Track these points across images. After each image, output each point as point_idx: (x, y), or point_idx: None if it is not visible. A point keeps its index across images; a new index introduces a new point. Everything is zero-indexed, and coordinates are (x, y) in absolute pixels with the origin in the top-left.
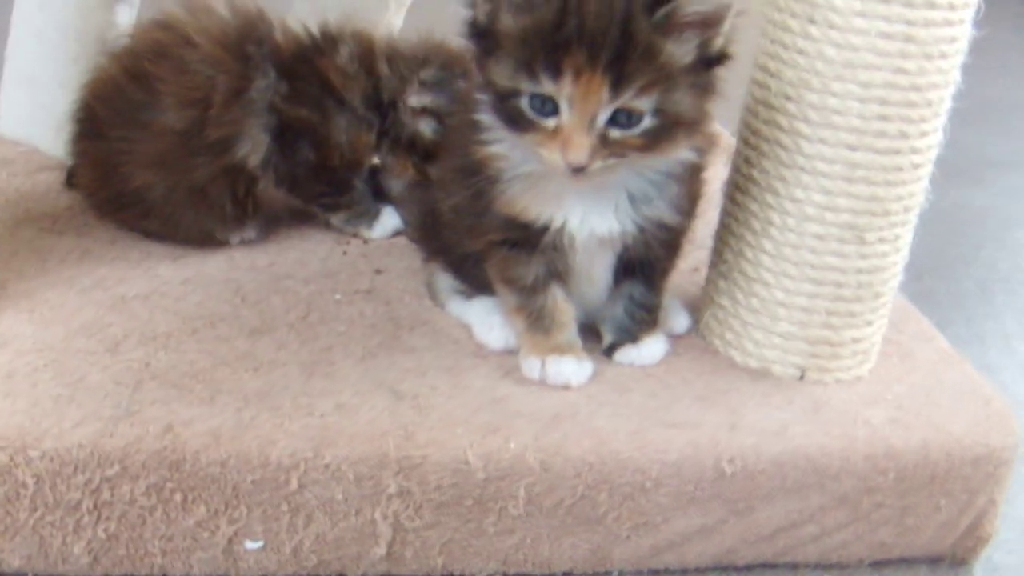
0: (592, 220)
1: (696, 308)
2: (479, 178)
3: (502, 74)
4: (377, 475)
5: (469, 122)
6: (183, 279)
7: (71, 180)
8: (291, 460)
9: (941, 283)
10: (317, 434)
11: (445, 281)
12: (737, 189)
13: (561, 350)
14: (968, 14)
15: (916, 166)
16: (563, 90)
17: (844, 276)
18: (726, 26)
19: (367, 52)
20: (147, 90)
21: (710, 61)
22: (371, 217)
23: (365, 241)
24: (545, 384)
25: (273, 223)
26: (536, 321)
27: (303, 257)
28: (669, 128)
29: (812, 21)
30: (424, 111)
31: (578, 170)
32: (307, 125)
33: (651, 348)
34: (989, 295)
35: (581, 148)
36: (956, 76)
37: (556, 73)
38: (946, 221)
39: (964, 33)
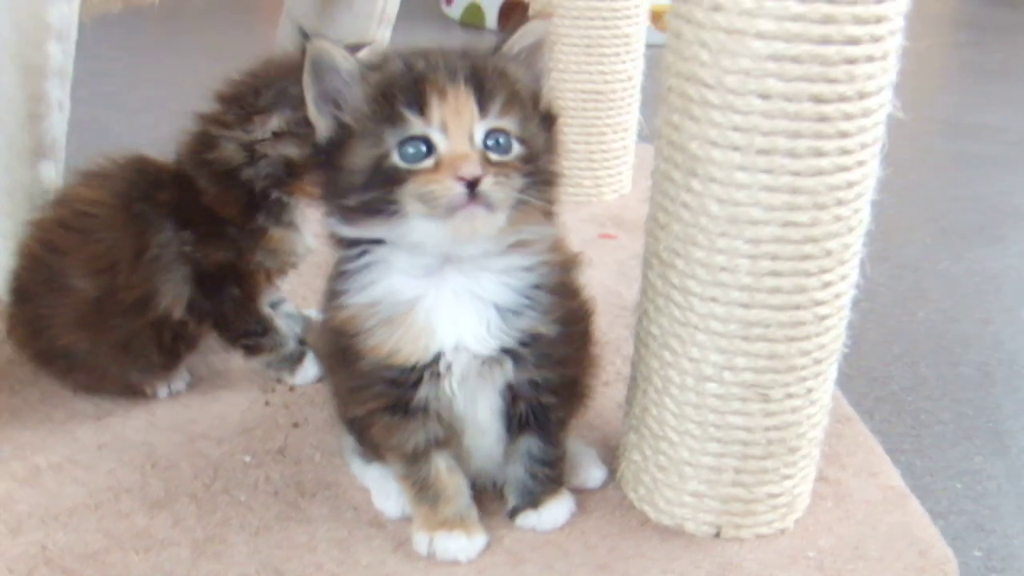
0: (466, 341)
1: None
2: (345, 341)
3: (361, 154)
4: None
5: (328, 292)
6: (100, 444)
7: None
8: None
9: (935, 369)
10: None
11: (349, 441)
12: (640, 342)
13: (450, 524)
14: (870, 154)
15: (823, 317)
16: (432, 119)
17: (751, 435)
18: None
19: (204, 141)
20: (60, 260)
21: (545, 118)
22: (293, 362)
23: (291, 388)
24: (435, 559)
25: (200, 369)
26: (421, 492)
27: (224, 411)
28: (535, 166)
29: (694, 174)
30: (278, 135)
31: (474, 186)
32: (225, 265)
33: (552, 513)
34: (988, 383)
35: (471, 159)
36: (863, 216)
37: (421, 104)
38: (954, 291)
39: (868, 173)
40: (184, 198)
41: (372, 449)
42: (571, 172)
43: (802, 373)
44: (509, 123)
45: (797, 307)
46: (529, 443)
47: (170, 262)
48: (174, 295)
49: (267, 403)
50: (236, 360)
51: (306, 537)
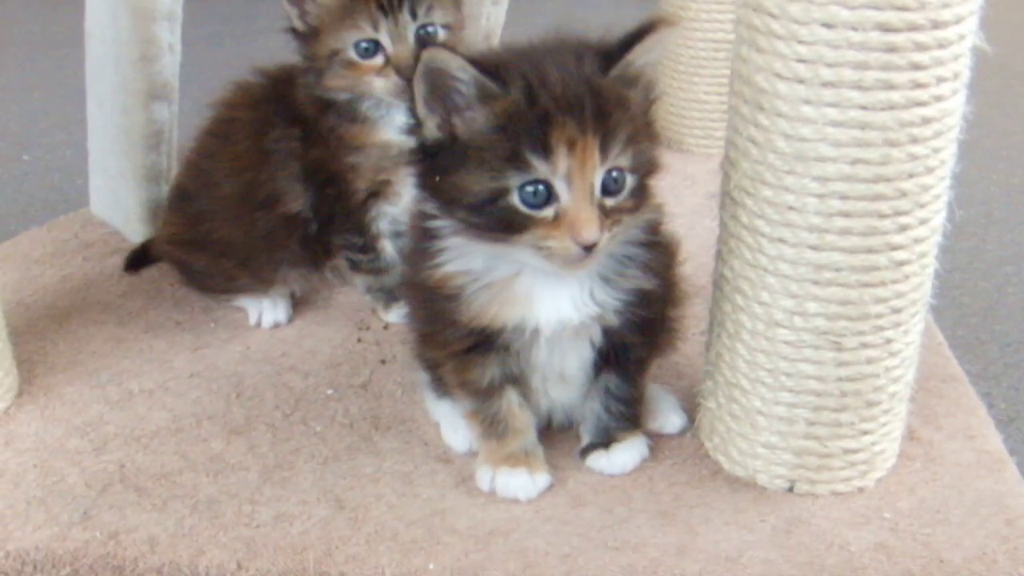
0: (565, 311)
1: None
2: (436, 298)
3: (478, 181)
4: None
5: (417, 250)
6: (192, 372)
7: (133, 263)
8: (218, 571)
9: None
10: (245, 546)
11: (424, 376)
12: (715, 285)
13: (514, 460)
14: (950, 89)
15: (900, 263)
16: (558, 168)
17: (824, 385)
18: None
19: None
20: (210, 163)
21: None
22: (389, 298)
23: (385, 326)
24: (495, 496)
25: (302, 305)
26: (490, 427)
27: (316, 346)
28: (646, 185)
29: (760, 108)
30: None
31: (590, 248)
32: (320, 161)
33: (622, 455)
34: None
35: (592, 223)
36: (945, 156)
37: (547, 152)
38: None
39: (948, 109)
40: (292, 98)
41: (444, 385)
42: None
43: (878, 322)
44: (625, 159)
45: (870, 250)
46: (608, 380)
47: (285, 159)
48: (291, 191)
49: (359, 340)
50: (339, 296)
51: (372, 469)
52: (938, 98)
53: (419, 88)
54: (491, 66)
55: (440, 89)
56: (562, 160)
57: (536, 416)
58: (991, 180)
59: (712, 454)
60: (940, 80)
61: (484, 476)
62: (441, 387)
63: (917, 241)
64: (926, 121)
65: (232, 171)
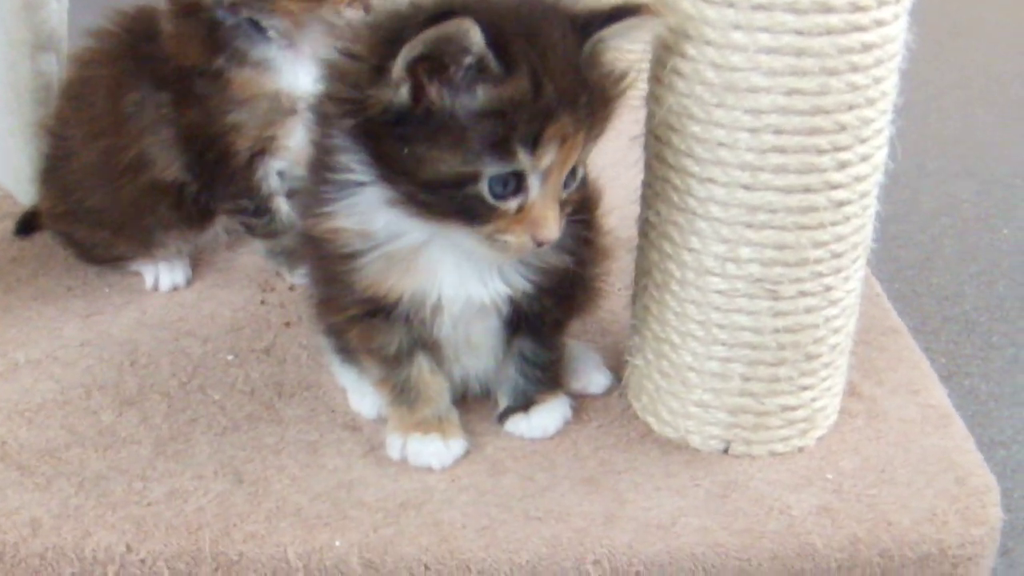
0: (471, 287)
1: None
2: (328, 255)
3: (445, 161)
4: (194, 572)
5: (310, 192)
6: (83, 341)
7: (24, 227)
8: (106, 554)
9: (1015, 290)
10: (134, 526)
11: (328, 341)
12: (641, 233)
13: (426, 426)
14: (891, 13)
15: (840, 203)
16: (541, 162)
17: (759, 337)
18: None
19: None
20: (66, 129)
21: None
22: (293, 259)
23: (290, 287)
24: (407, 465)
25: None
26: (400, 394)
27: (216, 310)
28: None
29: (687, 36)
30: None
31: (541, 245)
32: (196, 125)
33: (543, 417)
34: None
35: (555, 221)
36: (887, 88)
37: (536, 145)
38: None
39: (889, 35)
40: (153, 52)
41: (348, 350)
42: None
43: (817, 268)
44: (588, 151)
45: (807, 189)
46: (522, 345)
47: (152, 123)
48: (164, 158)
49: (263, 302)
50: (242, 257)
51: (274, 439)
52: (879, 22)
53: (413, 50)
54: (501, 43)
55: (438, 58)
56: (548, 155)
57: (449, 383)
58: (925, 132)
59: (641, 415)
60: (881, 3)
61: (394, 443)
62: (346, 352)
63: (858, 179)
64: (866, 47)
65: (88, 137)
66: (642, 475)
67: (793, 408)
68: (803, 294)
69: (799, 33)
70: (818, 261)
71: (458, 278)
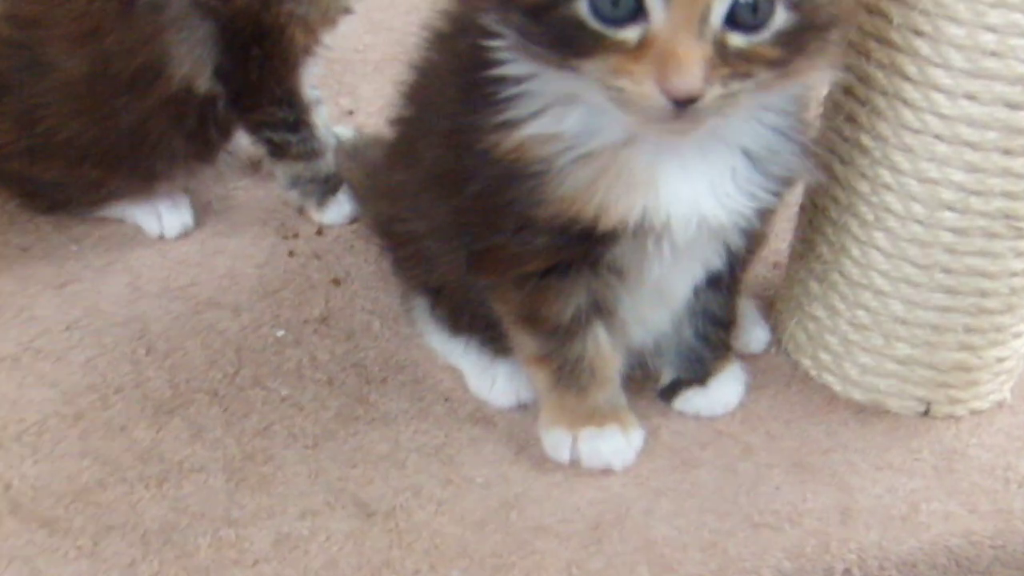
0: (704, 202)
1: (771, 311)
2: (502, 180)
3: None
4: None
5: (471, 99)
6: (68, 322)
7: None
8: None
9: None
10: None
11: (421, 302)
12: (837, 158)
13: (600, 418)
14: None
15: None
16: None
17: (992, 282)
18: None
19: None
20: (34, 34)
21: None
22: (325, 189)
23: (318, 231)
24: (578, 467)
25: (199, 206)
26: (568, 376)
27: (234, 267)
28: (810, 33)
29: None
30: None
31: (685, 103)
32: (247, 12)
33: (723, 391)
34: None
35: (691, 62)
36: None
37: None
38: None
39: None
40: None
41: (475, 324)
42: None
43: None
44: None
45: None
46: (707, 299)
47: (183, 14)
48: (193, 60)
49: (291, 252)
50: (240, 192)
51: (387, 446)
52: None
53: None
54: None
55: None
56: None
57: (623, 356)
58: None
59: (816, 374)
60: None
61: (560, 442)
62: (467, 325)
63: None
64: None
65: (72, 40)
66: (853, 452)
67: (1004, 359)
68: None
69: None
70: None
71: (685, 186)
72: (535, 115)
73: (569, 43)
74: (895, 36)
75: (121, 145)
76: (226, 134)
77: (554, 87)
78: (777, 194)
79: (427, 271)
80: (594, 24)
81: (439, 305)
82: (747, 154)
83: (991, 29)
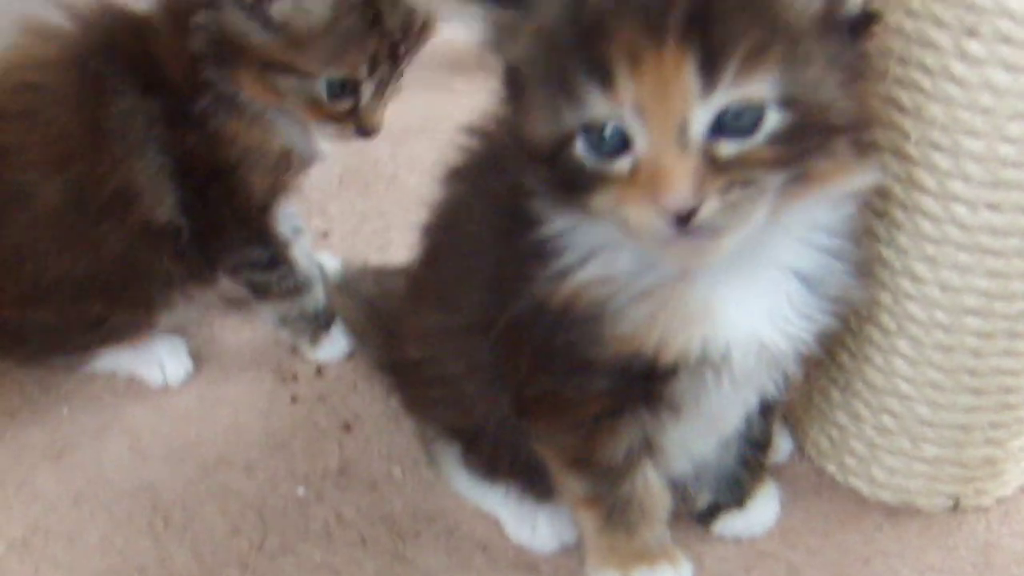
0: (762, 329)
1: (790, 418)
2: (556, 326)
3: (542, 119)
4: None
5: (513, 241)
6: (74, 496)
7: None
8: None
9: None
10: None
11: (445, 447)
12: None
13: (651, 557)
14: None
15: None
16: (624, 96)
17: (1016, 379)
18: None
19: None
20: (11, 167)
21: (850, 24)
22: (315, 327)
23: (317, 370)
24: None
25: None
26: (618, 516)
27: (238, 417)
28: (815, 132)
29: (972, 34)
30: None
31: (686, 220)
32: (198, 154)
33: (762, 513)
34: None
35: (676, 177)
36: None
37: (604, 73)
38: None
39: None
40: (147, 49)
41: (511, 469)
42: None
43: None
44: (760, 84)
45: None
46: (752, 425)
47: (141, 142)
48: (153, 190)
49: (294, 398)
50: (228, 334)
51: None
52: None
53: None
54: None
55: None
56: (626, 86)
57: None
58: None
59: (842, 479)
60: None
61: None
62: (501, 471)
63: None
64: None
65: (50, 166)
66: (893, 556)
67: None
68: None
69: None
70: None
71: (744, 316)
72: (585, 261)
73: (577, 184)
74: (912, 150)
75: (113, 276)
76: (210, 263)
77: (596, 232)
78: (836, 315)
79: (463, 414)
80: (591, 162)
81: (473, 450)
82: (801, 277)
83: (1010, 140)
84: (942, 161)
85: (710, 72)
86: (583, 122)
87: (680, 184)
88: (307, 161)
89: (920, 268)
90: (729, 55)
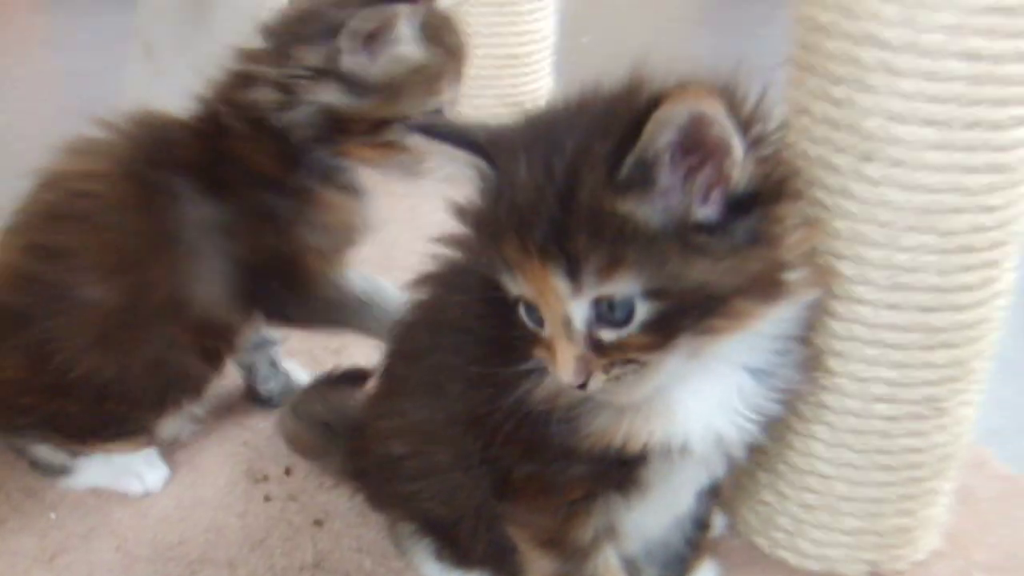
0: (715, 422)
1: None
2: (539, 420)
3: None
4: None
5: (494, 340)
6: None
7: None
8: None
9: None
10: None
11: (416, 540)
12: None
13: None
14: None
15: (1000, 310)
16: (523, 289)
17: (922, 456)
18: (732, 158)
19: (239, 81)
20: (59, 265)
21: (733, 207)
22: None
23: (286, 471)
24: None
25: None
26: None
27: (216, 517)
28: (694, 310)
29: (868, 159)
30: (319, 73)
31: (582, 387)
32: (269, 249)
33: None
34: None
35: (565, 361)
36: None
37: (506, 266)
38: None
39: None
40: (210, 156)
41: (477, 555)
42: None
43: (977, 375)
44: (620, 285)
45: (982, 303)
46: (698, 506)
47: (196, 247)
48: (209, 294)
49: (267, 497)
50: (205, 439)
51: None
52: None
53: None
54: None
55: None
56: (521, 282)
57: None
58: None
59: (770, 551)
60: None
61: None
62: (467, 557)
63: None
64: None
65: (101, 274)
66: None
67: (935, 516)
68: (963, 404)
69: (997, 150)
70: (978, 371)
71: (700, 409)
72: None
73: (524, 335)
74: (819, 261)
75: (143, 377)
76: (232, 347)
77: None
78: (782, 403)
79: (444, 503)
80: (528, 323)
81: (447, 541)
82: (750, 371)
83: (905, 250)
84: (847, 269)
85: (575, 278)
86: (515, 294)
87: (568, 366)
88: (364, 232)
89: (832, 362)
90: (584, 265)
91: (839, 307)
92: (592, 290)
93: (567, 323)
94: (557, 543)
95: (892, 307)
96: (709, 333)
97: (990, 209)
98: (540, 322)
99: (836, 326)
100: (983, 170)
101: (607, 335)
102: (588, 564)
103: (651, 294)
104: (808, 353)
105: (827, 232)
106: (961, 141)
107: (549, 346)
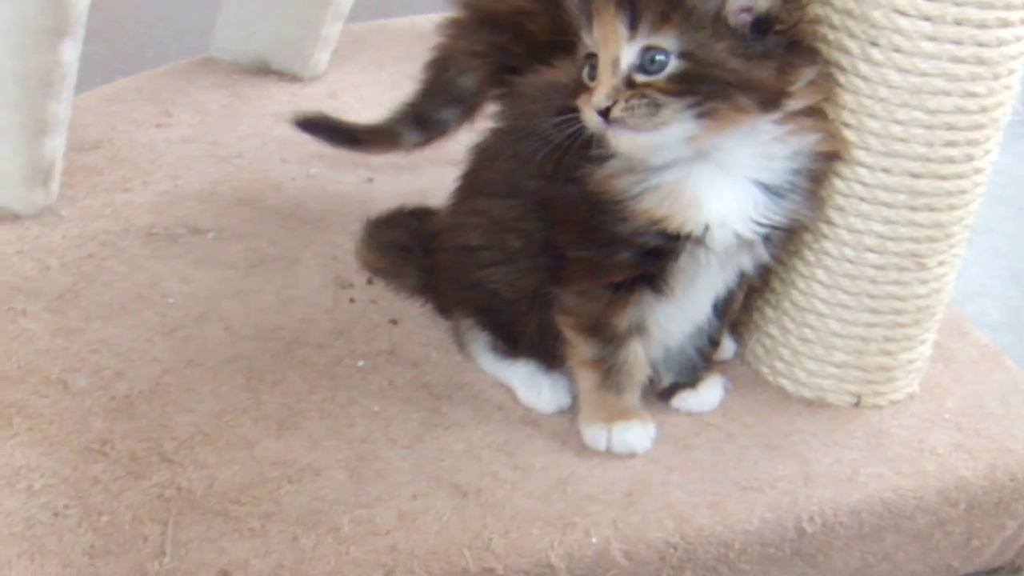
0: (731, 218)
1: (734, 331)
2: (591, 207)
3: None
4: None
5: (568, 156)
6: (187, 360)
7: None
8: None
9: None
10: (387, 557)
11: (475, 335)
12: None
13: (628, 414)
14: None
15: (978, 185)
16: (596, 38)
17: (903, 303)
18: None
19: None
20: None
21: (760, 25)
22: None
23: (368, 280)
24: (610, 453)
25: (265, 265)
26: (611, 378)
27: (309, 313)
28: (709, 80)
29: (874, 44)
30: None
31: (603, 115)
32: None
33: (710, 394)
34: None
35: (602, 89)
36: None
37: (589, 20)
38: None
39: None
40: None
41: (525, 344)
42: None
43: (954, 240)
44: (664, 39)
45: (962, 176)
46: (711, 322)
47: None
48: None
49: (352, 300)
50: (299, 251)
51: (463, 444)
52: None
53: None
54: None
55: None
56: (596, 31)
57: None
58: None
59: (772, 379)
60: None
61: (598, 434)
62: (517, 347)
63: (990, 165)
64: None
65: None
66: (808, 434)
67: (914, 361)
68: (942, 263)
69: (981, 45)
70: (957, 235)
71: (720, 205)
72: (611, 157)
73: (579, 88)
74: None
75: None
76: None
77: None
78: (789, 219)
79: (509, 286)
80: (585, 80)
81: (500, 333)
82: (762, 187)
83: (899, 122)
84: (850, 135)
85: (634, 26)
86: (586, 52)
87: (602, 91)
88: None
89: (833, 215)
90: (643, 17)
91: (844, 169)
92: (643, 39)
93: (615, 63)
94: (598, 330)
95: (885, 170)
96: (710, 117)
97: (973, 95)
98: (593, 77)
99: (839, 184)
100: (968, 61)
101: (640, 78)
102: (621, 351)
103: (683, 55)
104: (814, 191)
105: (837, 104)
106: (951, 34)
107: (594, 89)
